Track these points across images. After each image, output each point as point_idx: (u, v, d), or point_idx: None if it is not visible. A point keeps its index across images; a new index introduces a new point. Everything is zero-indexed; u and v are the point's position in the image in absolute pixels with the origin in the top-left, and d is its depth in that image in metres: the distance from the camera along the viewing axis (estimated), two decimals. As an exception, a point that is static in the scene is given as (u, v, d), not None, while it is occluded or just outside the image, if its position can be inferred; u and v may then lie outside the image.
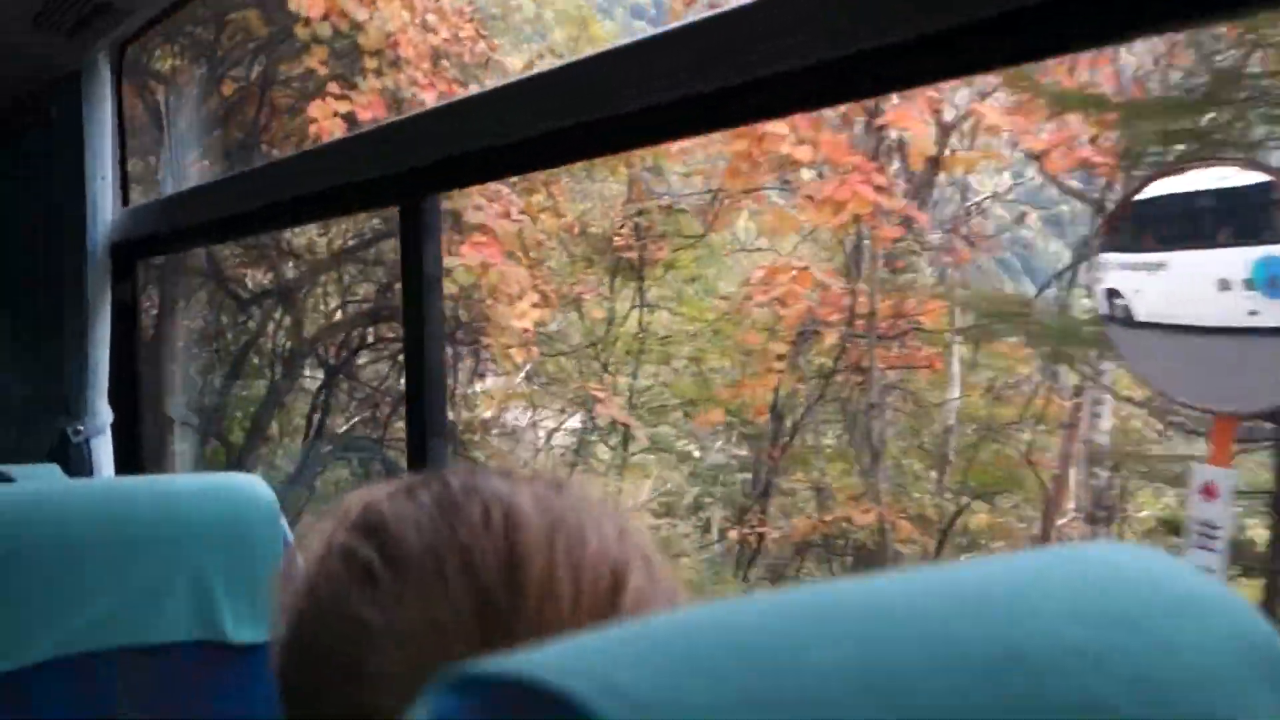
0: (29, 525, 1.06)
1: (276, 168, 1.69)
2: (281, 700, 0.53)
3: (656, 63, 0.92)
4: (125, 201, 2.09)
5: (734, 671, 0.26)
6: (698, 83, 0.86)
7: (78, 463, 2.00)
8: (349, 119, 4.72)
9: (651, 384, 5.87)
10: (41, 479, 1.68)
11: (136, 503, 1.11)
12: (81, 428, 2.01)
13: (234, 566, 1.14)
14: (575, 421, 5.97)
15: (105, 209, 2.01)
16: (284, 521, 1.18)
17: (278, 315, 5.71)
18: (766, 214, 5.42)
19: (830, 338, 5.01)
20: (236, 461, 5.53)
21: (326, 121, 4.75)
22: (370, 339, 5.64)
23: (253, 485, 1.18)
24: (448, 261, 4.95)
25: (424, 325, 1.30)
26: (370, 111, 4.75)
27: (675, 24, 0.92)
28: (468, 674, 0.27)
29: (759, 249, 5.90)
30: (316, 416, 5.74)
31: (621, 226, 5.60)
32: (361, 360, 5.72)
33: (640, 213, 5.54)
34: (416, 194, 1.29)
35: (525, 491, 0.53)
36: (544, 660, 0.26)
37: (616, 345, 5.74)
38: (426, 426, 1.30)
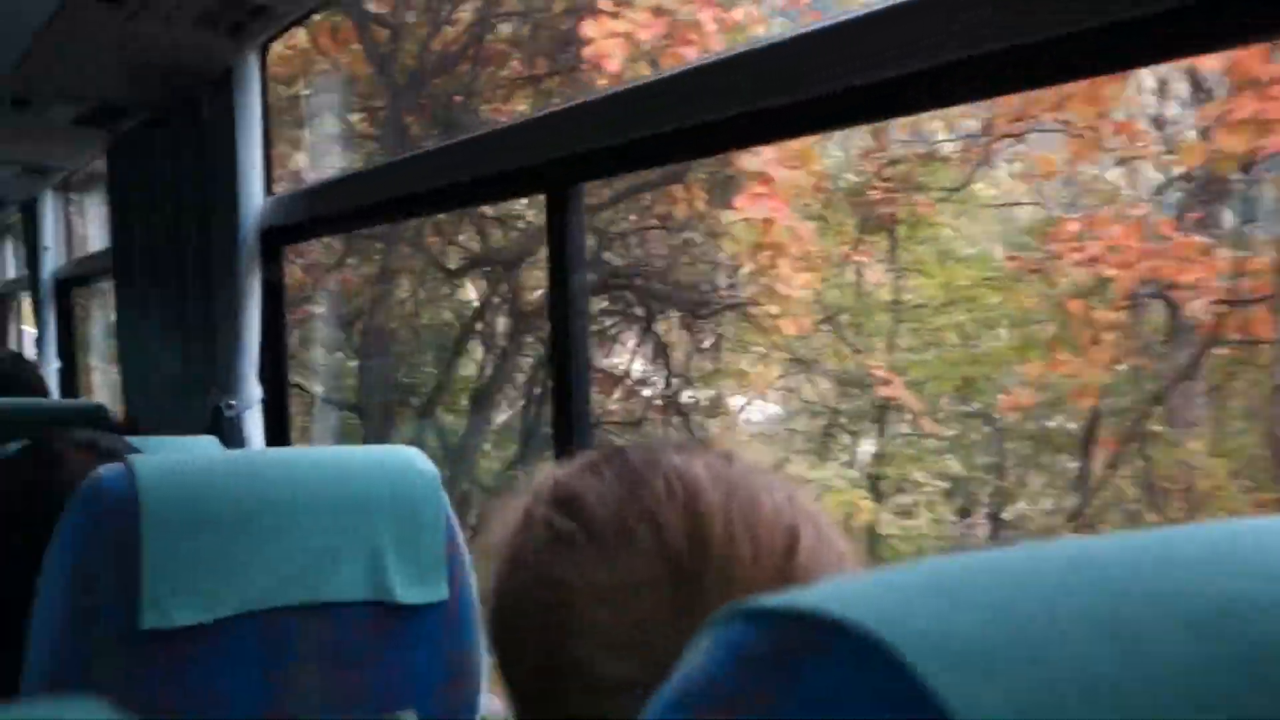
0: (223, 489, 1.16)
1: (421, 158, 1.78)
2: (492, 653, 0.60)
3: (840, 48, 0.96)
4: (270, 190, 2.21)
5: (993, 609, 0.30)
6: (881, 69, 0.90)
7: (231, 436, 2.13)
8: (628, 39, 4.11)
9: (921, 358, 4.90)
10: (204, 450, 1.81)
11: (315, 471, 1.21)
12: (234, 403, 2.14)
13: (401, 533, 1.23)
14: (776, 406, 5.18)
15: (254, 197, 2.13)
16: (444, 494, 1.27)
17: (498, 287, 5.13)
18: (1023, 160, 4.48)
19: (1188, 303, 3.94)
20: (458, 449, 5.16)
21: (606, 42, 4.12)
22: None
23: (416, 458, 1.26)
24: (725, 217, 4.48)
25: (570, 310, 1.36)
26: (649, 31, 4.16)
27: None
28: (753, 607, 0.33)
29: (1020, 203, 4.88)
30: (534, 398, 5.16)
31: (876, 178, 4.73)
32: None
33: (892, 163, 4.72)
34: (563, 182, 1.36)
35: (700, 462, 0.58)
36: (823, 595, 0.31)
37: (871, 315, 4.90)
38: (572, 412, 1.37)
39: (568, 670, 0.55)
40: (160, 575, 1.11)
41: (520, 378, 5.34)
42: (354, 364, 5.55)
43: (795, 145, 4.32)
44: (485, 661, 1.34)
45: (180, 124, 2.35)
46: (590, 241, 4.52)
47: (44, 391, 2.66)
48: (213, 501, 1.15)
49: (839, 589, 0.32)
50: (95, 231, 4.46)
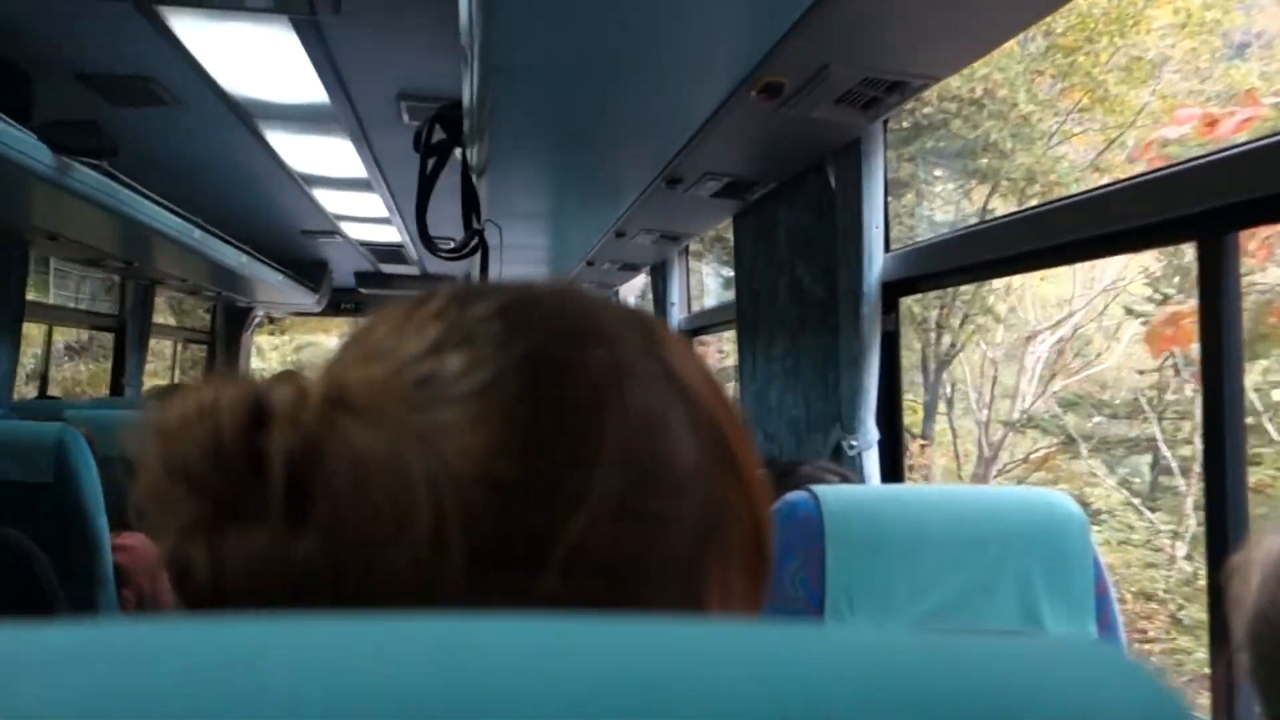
0: (893, 518, 1.31)
1: (1048, 213, 1.84)
2: (1254, 685, 0.67)
3: None
4: (887, 247, 2.40)
5: None
6: None
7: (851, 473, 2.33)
8: None
9: None
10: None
11: (972, 508, 1.32)
12: (855, 442, 2.34)
13: (1050, 570, 1.30)
14: None
15: (876, 253, 2.32)
16: (1092, 537, 1.32)
17: None
18: None
19: None
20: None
21: None
22: None
23: (1065, 502, 1.33)
24: None
25: (1225, 366, 1.35)
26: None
27: None
28: None
29: None
30: None
31: None
32: None
33: None
34: (1217, 231, 1.35)
35: None
36: None
37: None
38: (1227, 478, 1.35)
39: None
40: (840, 588, 1.29)
41: None
42: None
43: None
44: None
45: (805, 189, 2.63)
46: None
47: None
48: (884, 529, 1.30)
49: None
50: (711, 285, 5.04)
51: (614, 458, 0.42)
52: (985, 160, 5.93)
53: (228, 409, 0.42)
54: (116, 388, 5.68)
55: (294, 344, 14.76)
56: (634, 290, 7.06)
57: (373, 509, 0.40)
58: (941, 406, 6.88)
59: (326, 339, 15.31)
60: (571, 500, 0.41)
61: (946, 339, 6.62)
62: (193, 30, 2.70)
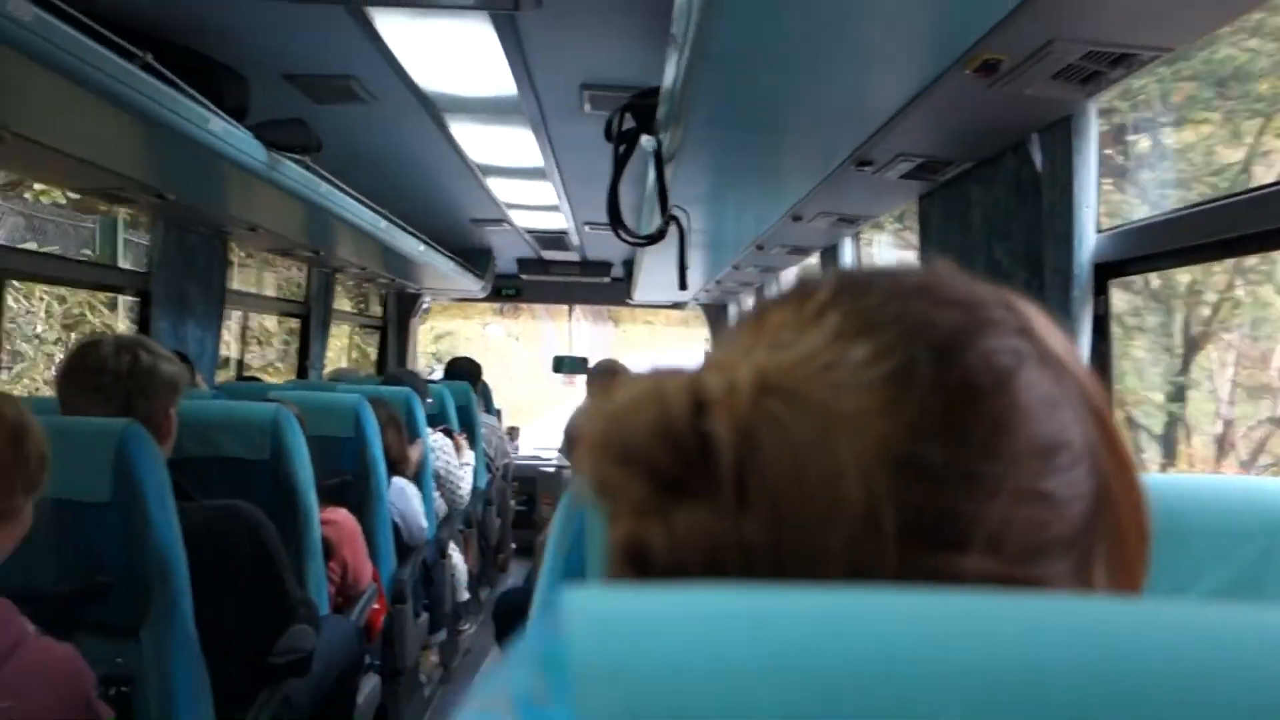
0: (1151, 510, 1.27)
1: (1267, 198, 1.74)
2: None
3: None
4: (1097, 228, 2.31)
5: None
6: None
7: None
8: None
9: None
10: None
11: (1234, 498, 1.27)
12: (1064, 429, 2.27)
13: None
14: None
15: (1087, 233, 2.24)
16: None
17: None
18: None
19: None
20: None
21: None
22: None
23: (1339, 492, 1.26)
24: None
25: None
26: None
27: None
28: None
29: None
30: None
31: None
32: None
33: None
34: None
35: None
36: None
37: None
38: None
39: None
40: (1093, 579, 1.26)
41: None
42: None
43: None
44: None
45: (1003, 168, 2.56)
46: None
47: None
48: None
49: None
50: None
51: (1023, 442, 0.44)
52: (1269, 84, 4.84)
53: (673, 395, 0.45)
54: (302, 371, 5.97)
55: (434, 333, 15.12)
56: (791, 276, 7.00)
57: (808, 489, 0.42)
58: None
59: (465, 325, 15.62)
60: (989, 483, 0.42)
61: (1204, 313, 5.53)
62: (395, 28, 2.80)
